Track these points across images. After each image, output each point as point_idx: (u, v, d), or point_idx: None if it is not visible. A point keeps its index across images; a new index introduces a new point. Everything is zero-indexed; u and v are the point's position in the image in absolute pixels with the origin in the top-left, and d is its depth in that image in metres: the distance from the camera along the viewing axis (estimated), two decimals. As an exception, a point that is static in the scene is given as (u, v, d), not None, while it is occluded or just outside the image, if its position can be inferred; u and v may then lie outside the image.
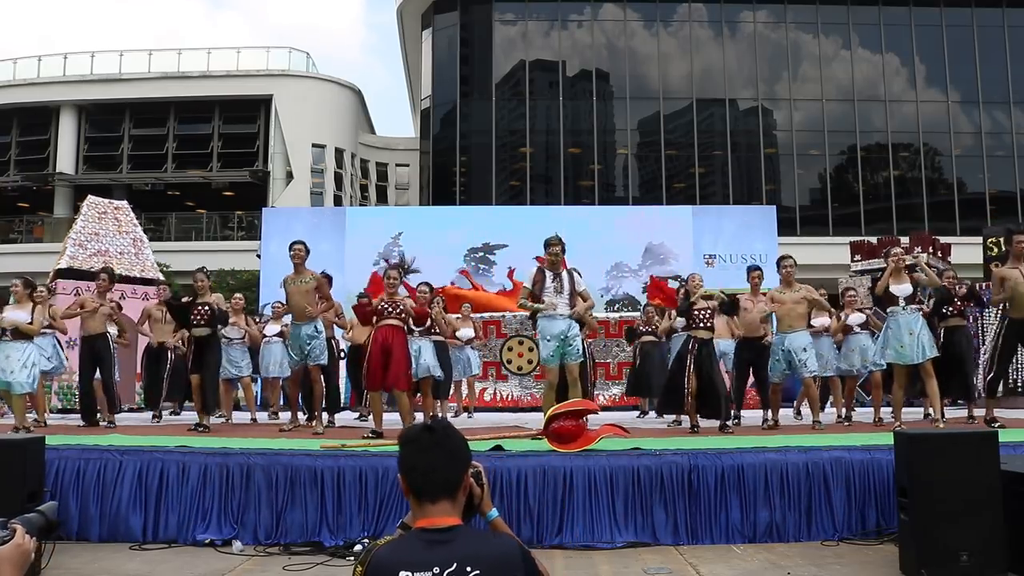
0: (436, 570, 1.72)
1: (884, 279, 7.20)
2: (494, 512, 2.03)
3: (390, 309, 7.26)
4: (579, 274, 7.05)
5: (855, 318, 8.88)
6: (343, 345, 10.64)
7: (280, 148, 30.37)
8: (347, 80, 32.96)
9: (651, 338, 10.04)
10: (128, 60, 31.28)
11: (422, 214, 20.50)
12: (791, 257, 7.89)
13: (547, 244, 7.01)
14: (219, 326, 8.48)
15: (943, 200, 29.12)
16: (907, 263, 7.48)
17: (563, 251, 6.95)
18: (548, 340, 6.82)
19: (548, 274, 6.92)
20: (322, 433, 7.48)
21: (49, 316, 8.15)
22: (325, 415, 8.53)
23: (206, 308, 8.19)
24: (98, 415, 8.86)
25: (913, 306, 7.09)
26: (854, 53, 29.85)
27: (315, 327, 7.77)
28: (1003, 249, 12.56)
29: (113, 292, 13.14)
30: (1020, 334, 7.13)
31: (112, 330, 9.21)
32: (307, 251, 7.84)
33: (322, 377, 8.09)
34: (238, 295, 10.40)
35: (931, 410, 7.78)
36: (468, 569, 1.73)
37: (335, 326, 9.59)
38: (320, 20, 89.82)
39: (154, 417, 9.63)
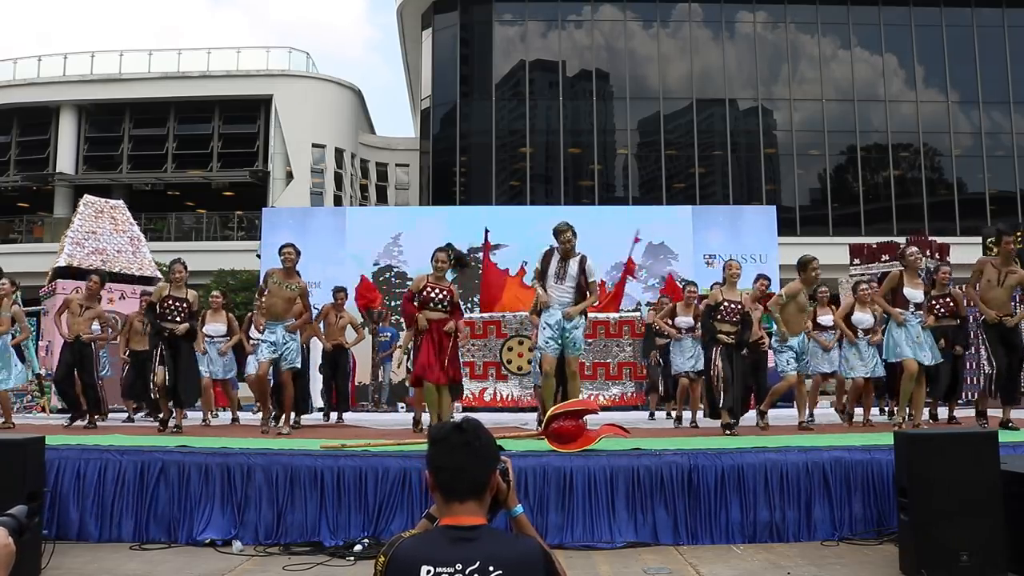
0: (459, 566, 1.74)
1: (893, 281, 7.10)
2: (519, 508, 2.04)
3: (439, 300, 7.06)
4: (589, 264, 6.86)
5: (862, 319, 8.46)
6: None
7: (280, 148, 30.37)
8: (347, 80, 32.99)
9: (665, 340, 9.93)
10: (128, 60, 31.29)
11: (422, 214, 20.48)
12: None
13: (557, 233, 6.86)
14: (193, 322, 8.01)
15: (943, 200, 29.12)
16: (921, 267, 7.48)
17: (574, 240, 6.81)
18: (544, 328, 6.78)
19: (555, 258, 6.83)
20: (288, 434, 7.32)
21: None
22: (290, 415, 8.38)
23: (182, 303, 7.72)
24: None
25: (920, 312, 7.09)
26: (854, 53, 29.85)
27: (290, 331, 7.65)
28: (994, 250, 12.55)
29: (112, 293, 13.24)
30: (998, 332, 7.00)
31: (95, 326, 9.06)
32: (298, 253, 7.59)
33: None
34: (215, 292, 10.08)
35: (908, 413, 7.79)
36: (491, 568, 1.74)
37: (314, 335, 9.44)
38: (322, 16, 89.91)
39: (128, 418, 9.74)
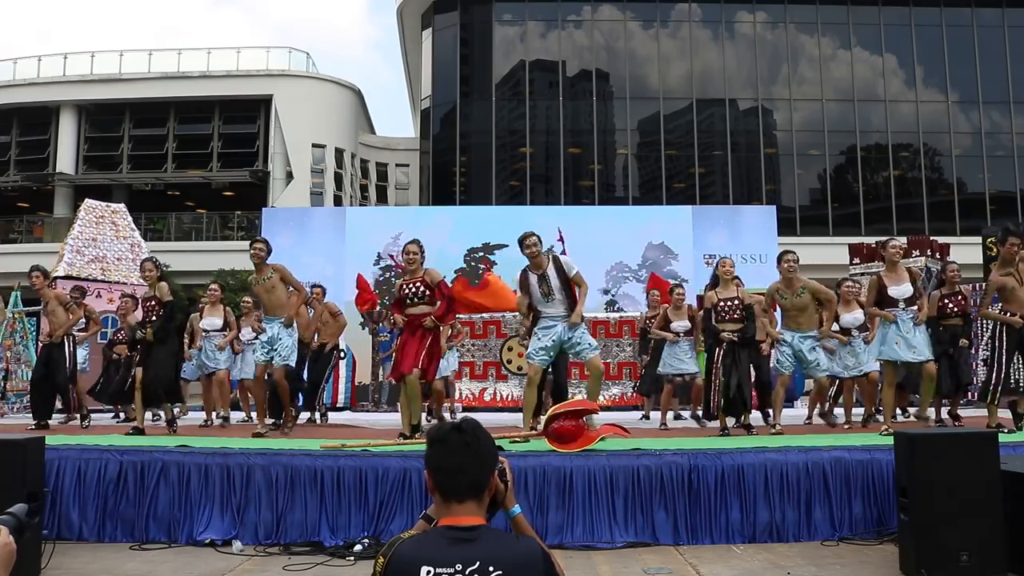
0: (459, 567, 1.73)
1: (875, 287, 6.86)
2: (517, 508, 2.04)
3: (412, 294, 6.63)
4: (564, 260, 6.62)
5: (850, 318, 8.24)
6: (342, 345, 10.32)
7: (280, 148, 30.37)
8: (347, 80, 33.00)
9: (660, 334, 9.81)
10: (128, 60, 31.30)
11: (422, 214, 20.48)
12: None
13: (521, 244, 6.60)
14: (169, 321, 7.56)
15: (943, 200, 29.13)
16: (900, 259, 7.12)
17: (540, 244, 6.57)
18: (537, 338, 6.59)
19: (532, 276, 6.61)
20: (289, 433, 7.27)
21: None
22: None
23: (152, 301, 7.41)
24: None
25: (912, 308, 6.81)
26: (854, 53, 29.86)
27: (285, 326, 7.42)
28: (996, 250, 12.40)
29: (112, 293, 13.24)
30: (1019, 337, 6.69)
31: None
32: (268, 250, 7.40)
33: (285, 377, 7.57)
34: (213, 285, 9.83)
35: (930, 411, 7.61)
36: (491, 569, 1.74)
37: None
38: (322, 15, 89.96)
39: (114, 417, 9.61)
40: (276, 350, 7.31)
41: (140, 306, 7.62)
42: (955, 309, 7.75)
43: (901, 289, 6.80)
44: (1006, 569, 4.31)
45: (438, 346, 6.93)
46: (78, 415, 9.08)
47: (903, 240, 7.12)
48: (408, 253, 6.77)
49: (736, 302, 7.19)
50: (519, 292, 6.77)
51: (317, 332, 9.55)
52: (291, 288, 7.52)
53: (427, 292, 6.65)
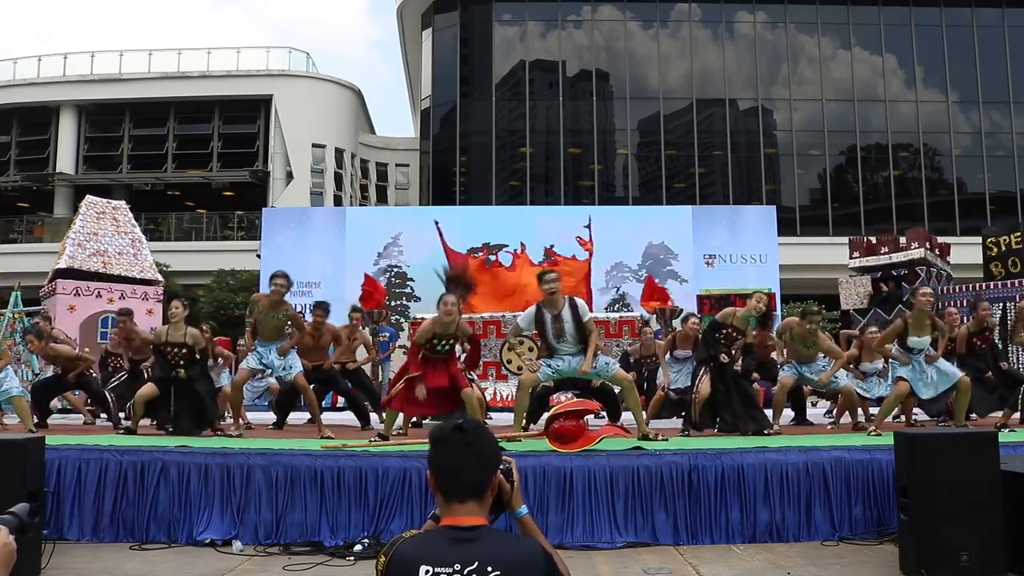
0: (457, 567, 1.74)
1: (896, 331, 6.93)
2: (523, 509, 2.03)
3: (442, 349, 6.49)
4: (580, 304, 6.38)
5: (870, 367, 8.49)
6: None
7: (280, 148, 30.37)
8: (347, 80, 33.00)
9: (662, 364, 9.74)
10: (128, 60, 31.30)
11: (422, 214, 20.49)
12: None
13: (541, 280, 6.35)
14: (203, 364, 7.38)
15: (943, 200, 29.13)
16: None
17: (559, 283, 6.34)
18: (548, 363, 6.41)
19: (547, 315, 6.28)
20: (333, 436, 7.33)
21: None
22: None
23: (180, 349, 6.98)
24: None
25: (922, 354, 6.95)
26: (854, 53, 29.86)
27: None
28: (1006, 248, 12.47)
29: (112, 293, 13.24)
30: None
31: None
32: (289, 285, 7.28)
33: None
34: (203, 325, 9.64)
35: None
36: (489, 569, 1.74)
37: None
38: (322, 15, 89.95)
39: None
40: (283, 367, 7.24)
41: (159, 345, 7.18)
42: (983, 345, 7.87)
43: (921, 341, 6.86)
44: (1006, 569, 4.31)
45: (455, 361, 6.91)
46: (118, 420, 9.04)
47: (929, 289, 7.08)
48: (447, 304, 6.45)
49: (740, 336, 7.29)
50: (522, 325, 6.49)
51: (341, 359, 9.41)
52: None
53: (454, 346, 6.70)
